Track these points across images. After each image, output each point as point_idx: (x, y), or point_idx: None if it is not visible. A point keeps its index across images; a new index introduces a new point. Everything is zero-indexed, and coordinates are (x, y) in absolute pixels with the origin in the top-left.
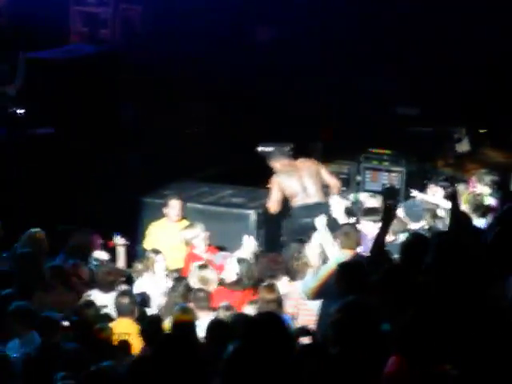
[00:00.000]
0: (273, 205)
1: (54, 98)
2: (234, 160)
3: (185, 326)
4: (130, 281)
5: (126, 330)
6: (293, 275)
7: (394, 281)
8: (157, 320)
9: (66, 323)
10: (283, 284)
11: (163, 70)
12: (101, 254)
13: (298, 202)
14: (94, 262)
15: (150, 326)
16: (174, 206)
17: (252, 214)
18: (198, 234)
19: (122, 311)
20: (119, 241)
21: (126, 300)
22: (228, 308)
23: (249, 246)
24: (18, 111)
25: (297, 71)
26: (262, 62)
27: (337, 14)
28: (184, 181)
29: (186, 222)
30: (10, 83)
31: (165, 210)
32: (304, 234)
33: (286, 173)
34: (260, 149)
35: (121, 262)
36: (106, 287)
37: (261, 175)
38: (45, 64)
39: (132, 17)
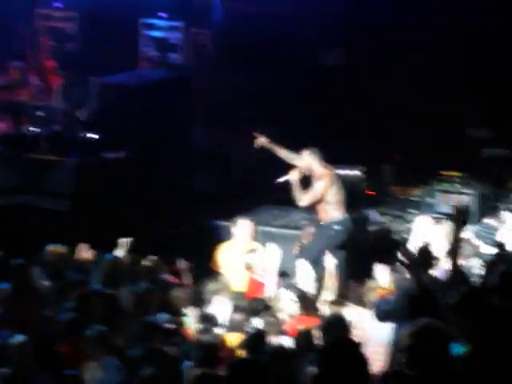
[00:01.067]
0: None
1: (126, 122)
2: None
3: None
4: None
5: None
6: (361, 302)
7: (472, 303)
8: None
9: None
10: (351, 311)
11: (233, 93)
12: (168, 278)
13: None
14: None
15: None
16: (242, 226)
17: None
18: (261, 259)
19: (233, 327)
20: (183, 265)
21: (238, 317)
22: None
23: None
24: (90, 135)
25: (370, 95)
26: (333, 86)
27: (412, 39)
28: (256, 204)
29: (255, 245)
30: (82, 108)
31: (233, 230)
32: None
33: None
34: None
35: (188, 286)
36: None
37: None
38: (116, 88)
39: (202, 41)
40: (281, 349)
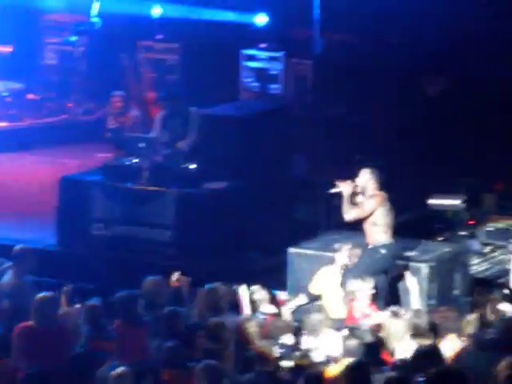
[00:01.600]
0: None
1: (227, 152)
2: (402, 212)
3: None
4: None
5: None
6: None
7: None
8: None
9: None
10: (450, 342)
11: (333, 123)
12: (268, 308)
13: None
14: (261, 316)
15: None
16: (344, 252)
17: (424, 268)
18: (363, 288)
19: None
20: (282, 296)
21: (353, 342)
22: None
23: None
24: (191, 166)
25: (474, 123)
26: (435, 114)
27: None
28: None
29: None
30: (183, 139)
31: (335, 256)
32: None
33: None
34: (432, 201)
35: (286, 316)
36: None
37: (431, 228)
38: (217, 119)
39: (302, 71)
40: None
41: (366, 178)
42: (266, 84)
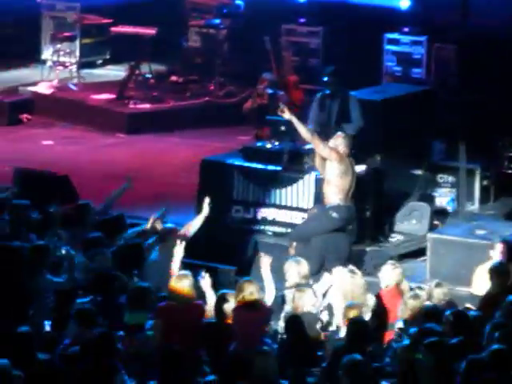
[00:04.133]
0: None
1: (370, 136)
2: None
3: None
4: None
5: None
6: None
7: None
8: None
9: None
10: None
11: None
12: None
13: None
14: None
15: None
16: (499, 249)
17: None
18: None
19: None
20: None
21: None
22: None
23: None
24: None
25: None
26: None
27: None
28: None
29: None
30: (338, 122)
31: (491, 253)
32: None
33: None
34: None
35: None
36: None
37: None
38: (361, 104)
39: (445, 56)
40: None
41: (338, 141)
42: (408, 68)
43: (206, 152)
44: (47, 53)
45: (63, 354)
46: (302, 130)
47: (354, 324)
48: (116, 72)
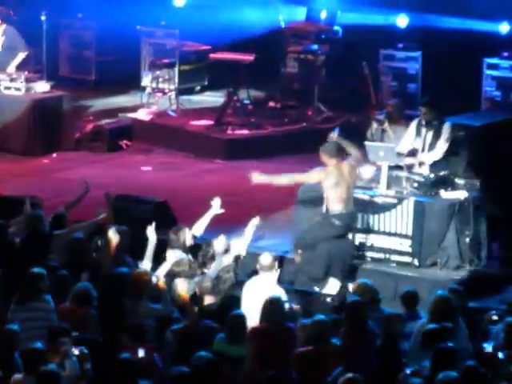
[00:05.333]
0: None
1: (470, 163)
2: None
3: None
4: None
5: None
6: None
7: None
8: None
9: None
10: None
11: None
12: None
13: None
14: None
15: None
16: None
17: None
18: None
19: None
20: None
21: None
22: None
23: None
24: (431, 175)
25: None
26: None
27: None
28: None
29: None
30: (432, 148)
31: None
32: None
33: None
34: None
35: None
36: None
37: None
38: (460, 129)
39: None
40: None
41: (325, 159)
42: (508, 93)
43: None
44: (146, 79)
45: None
46: (282, 181)
47: None
48: (214, 98)
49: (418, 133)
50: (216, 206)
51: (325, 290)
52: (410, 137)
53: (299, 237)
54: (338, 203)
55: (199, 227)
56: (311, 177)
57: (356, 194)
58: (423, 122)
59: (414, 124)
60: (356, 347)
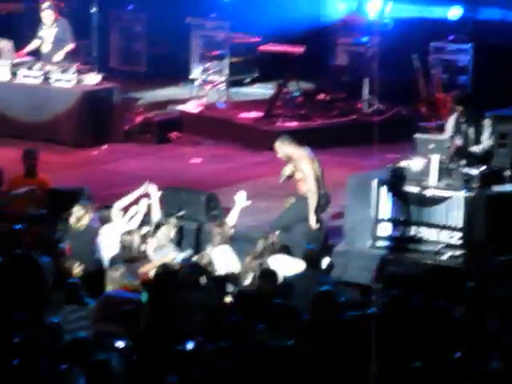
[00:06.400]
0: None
1: None
2: None
3: None
4: None
5: None
6: None
7: None
8: None
9: None
10: None
11: None
12: None
13: None
14: None
15: None
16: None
17: None
18: None
19: None
20: None
21: None
22: None
23: None
24: (478, 170)
25: None
26: None
27: None
28: None
29: None
30: (475, 143)
31: None
32: None
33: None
34: None
35: None
36: None
37: None
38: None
39: None
40: None
41: (283, 148)
42: None
43: (353, 170)
44: (196, 71)
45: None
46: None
47: None
48: (264, 90)
49: (458, 129)
50: (241, 200)
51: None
52: (448, 133)
53: (275, 219)
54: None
55: (230, 221)
56: (311, 172)
57: (407, 186)
58: (462, 119)
59: (452, 120)
60: None
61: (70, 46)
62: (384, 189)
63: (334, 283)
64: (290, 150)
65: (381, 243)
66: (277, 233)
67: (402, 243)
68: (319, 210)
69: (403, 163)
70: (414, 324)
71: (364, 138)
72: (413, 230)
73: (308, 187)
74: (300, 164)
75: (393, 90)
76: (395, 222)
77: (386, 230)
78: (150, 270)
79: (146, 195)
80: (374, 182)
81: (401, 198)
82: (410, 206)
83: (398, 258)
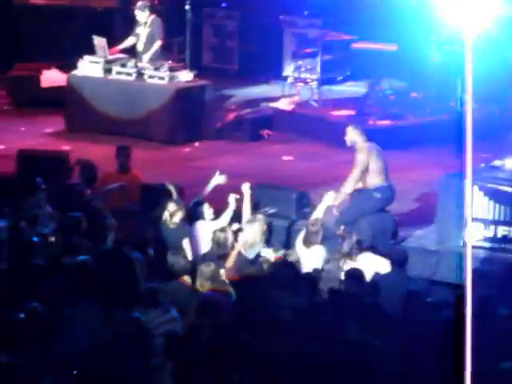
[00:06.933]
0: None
1: None
2: None
3: None
4: None
5: None
6: None
7: None
8: None
9: None
10: None
11: None
12: None
13: None
14: None
15: None
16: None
17: None
18: None
19: None
20: None
21: None
22: None
23: None
24: None
25: None
26: None
27: None
28: None
29: None
30: None
31: None
32: None
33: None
34: None
35: None
36: None
37: None
38: None
39: None
40: None
41: (353, 134)
42: None
43: (445, 169)
44: (288, 69)
45: None
46: (349, 188)
47: None
48: (356, 88)
49: None
50: (328, 199)
51: None
52: None
53: (341, 213)
54: (377, 177)
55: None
56: (362, 163)
57: (500, 186)
58: None
59: None
60: None
61: (159, 44)
62: (477, 188)
63: (422, 283)
64: (356, 138)
65: (473, 243)
66: (342, 227)
67: (494, 243)
68: (387, 201)
69: (497, 162)
70: (504, 324)
71: (455, 136)
72: (505, 230)
73: (355, 177)
74: (358, 154)
75: (487, 90)
76: (487, 221)
77: (478, 229)
78: (230, 262)
79: (237, 192)
80: (467, 181)
81: (494, 198)
82: (503, 206)
83: (490, 258)
